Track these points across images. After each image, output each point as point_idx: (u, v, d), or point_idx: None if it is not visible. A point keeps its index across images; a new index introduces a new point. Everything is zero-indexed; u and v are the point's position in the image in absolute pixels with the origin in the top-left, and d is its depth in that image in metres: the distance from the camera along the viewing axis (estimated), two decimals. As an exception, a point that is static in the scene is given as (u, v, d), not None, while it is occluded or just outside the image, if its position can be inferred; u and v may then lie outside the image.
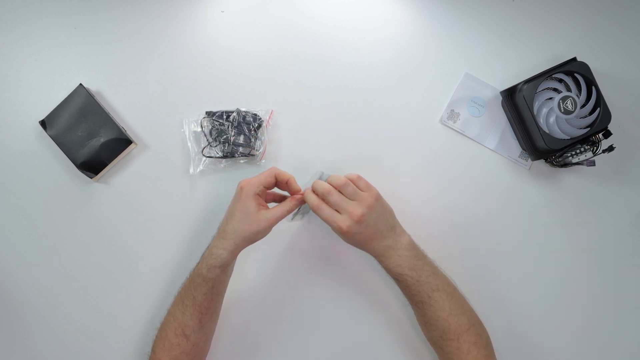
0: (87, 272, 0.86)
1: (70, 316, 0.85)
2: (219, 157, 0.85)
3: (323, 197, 0.73)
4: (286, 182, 0.75)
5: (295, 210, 0.76)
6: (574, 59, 0.82)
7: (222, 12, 0.89)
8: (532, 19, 0.89)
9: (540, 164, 0.87)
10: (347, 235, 0.73)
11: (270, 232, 0.74)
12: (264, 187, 0.73)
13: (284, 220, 0.74)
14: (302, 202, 0.75)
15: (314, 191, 0.74)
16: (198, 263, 0.75)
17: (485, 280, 0.84)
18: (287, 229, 0.86)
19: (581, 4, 0.89)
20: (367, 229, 0.73)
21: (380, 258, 0.75)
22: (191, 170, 0.86)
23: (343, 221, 0.72)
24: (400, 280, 0.75)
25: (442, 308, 0.74)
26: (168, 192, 0.87)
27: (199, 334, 0.75)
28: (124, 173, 0.87)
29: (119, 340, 0.85)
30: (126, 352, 0.85)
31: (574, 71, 0.81)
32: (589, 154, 0.82)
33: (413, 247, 0.75)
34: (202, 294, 0.73)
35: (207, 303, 0.74)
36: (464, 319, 0.74)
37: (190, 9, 0.89)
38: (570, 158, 0.82)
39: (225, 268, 0.73)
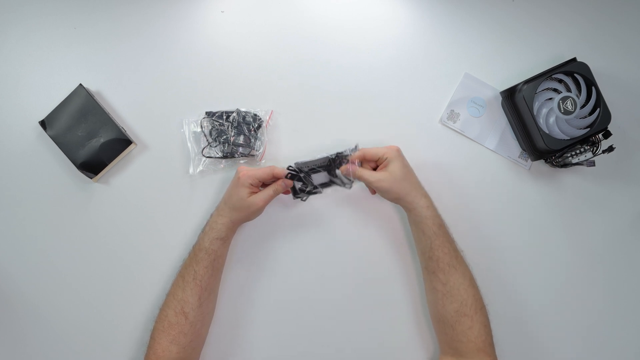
0: (87, 272, 0.86)
1: (70, 316, 0.85)
2: (218, 157, 0.85)
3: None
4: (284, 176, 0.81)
5: (300, 192, 0.83)
6: (574, 59, 0.82)
7: (222, 12, 0.89)
8: (532, 19, 0.89)
9: (540, 164, 0.87)
10: (398, 156, 0.78)
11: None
12: (261, 181, 0.80)
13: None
14: (289, 185, 0.81)
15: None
16: (198, 240, 0.80)
17: (484, 280, 0.84)
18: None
19: (581, 4, 0.89)
20: (407, 163, 0.80)
21: (426, 201, 0.78)
22: (191, 171, 0.86)
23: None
24: (440, 235, 0.77)
25: (465, 275, 0.77)
26: (168, 192, 0.87)
27: (197, 313, 0.77)
28: (124, 173, 0.87)
29: (119, 340, 0.85)
30: (126, 352, 0.85)
31: (574, 71, 0.81)
32: (589, 154, 0.82)
33: None
34: (203, 267, 0.77)
35: (207, 278, 0.78)
36: (479, 294, 0.77)
37: (190, 9, 0.89)
38: (570, 158, 0.82)
39: (225, 241, 0.79)
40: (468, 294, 0.75)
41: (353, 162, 0.81)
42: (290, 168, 0.80)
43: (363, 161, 0.82)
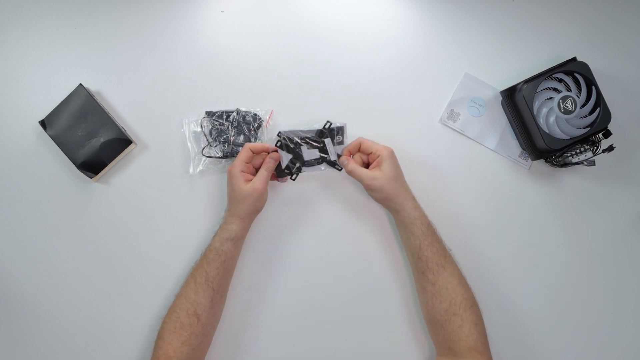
0: (87, 272, 0.86)
1: (71, 316, 0.85)
2: (218, 157, 0.85)
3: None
4: (262, 149, 0.82)
5: (287, 169, 0.83)
6: (574, 59, 0.82)
7: (222, 12, 0.89)
8: (532, 19, 0.89)
9: (540, 164, 0.87)
10: (391, 156, 0.80)
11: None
12: (245, 162, 0.80)
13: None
14: (275, 158, 0.81)
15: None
16: (210, 242, 0.80)
17: (485, 280, 0.84)
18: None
19: (581, 4, 0.89)
20: (398, 165, 0.81)
21: (414, 203, 0.80)
22: (191, 170, 0.86)
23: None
24: (428, 234, 0.78)
25: (453, 274, 0.77)
26: (168, 192, 0.87)
27: (210, 314, 0.77)
28: (124, 173, 0.87)
29: (119, 340, 0.85)
30: (126, 352, 0.85)
31: (574, 71, 0.81)
32: (589, 154, 0.82)
33: None
34: (215, 268, 0.77)
35: (219, 280, 0.78)
36: (469, 293, 0.77)
37: (190, 9, 0.89)
38: (570, 158, 0.82)
39: (237, 241, 0.79)
40: (457, 293, 0.76)
41: (348, 155, 0.83)
42: (279, 135, 0.81)
43: (356, 151, 0.84)
